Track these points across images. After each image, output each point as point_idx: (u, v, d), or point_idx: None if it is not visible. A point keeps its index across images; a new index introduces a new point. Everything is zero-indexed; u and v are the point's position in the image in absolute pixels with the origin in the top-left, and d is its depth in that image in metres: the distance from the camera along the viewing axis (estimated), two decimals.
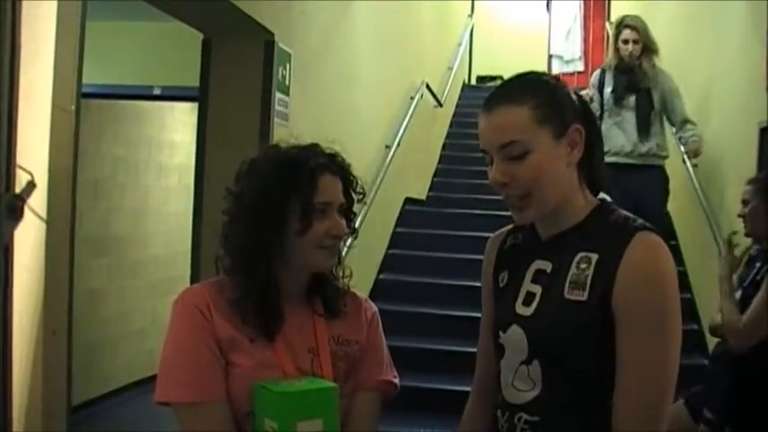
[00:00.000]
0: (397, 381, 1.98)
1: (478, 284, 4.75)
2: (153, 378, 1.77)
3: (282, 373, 1.77)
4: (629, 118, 5.48)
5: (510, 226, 1.89)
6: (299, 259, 1.82)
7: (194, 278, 3.81)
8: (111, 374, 6.91)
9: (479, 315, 4.26)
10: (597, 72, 5.93)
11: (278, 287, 1.82)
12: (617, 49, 5.59)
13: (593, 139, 1.70)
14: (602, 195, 1.77)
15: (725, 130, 4.81)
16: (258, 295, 1.78)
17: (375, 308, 2.02)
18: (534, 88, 1.67)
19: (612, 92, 5.59)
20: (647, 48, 5.49)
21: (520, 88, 1.69)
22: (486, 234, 6.28)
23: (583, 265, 1.61)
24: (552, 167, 1.63)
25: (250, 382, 1.73)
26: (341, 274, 1.96)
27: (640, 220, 1.65)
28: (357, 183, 1.94)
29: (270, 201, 1.78)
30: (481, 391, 1.92)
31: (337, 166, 1.88)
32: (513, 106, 1.64)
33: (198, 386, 1.71)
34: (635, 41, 5.47)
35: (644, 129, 5.44)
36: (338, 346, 1.87)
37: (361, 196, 1.96)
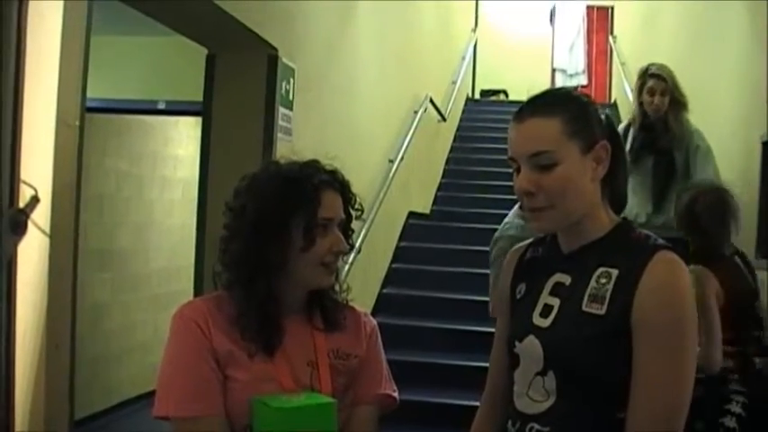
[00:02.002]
0: (396, 394, 1.98)
1: (482, 299, 4.73)
2: (156, 392, 1.78)
3: (280, 386, 1.77)
4: (646, 183, 4.73)
5: (531, 239, 1.92)
6: (300, 275, 1.84)
7: (197, 292, 3.81)
8: (115, 388, 6.92)
9: (483, 329, 4.25)
10: (623, 126, 5.00)
11: (278, 302, 1.83)
12: (641, 103, 4.78)
13: (618, 158, 1.74)
14: None
15: (727, 145, 4.81)
16: (259, 311, 1.79)
17: (374, 322, 2.03)
18: (566, 103, 1.72)
19: (629, 151, 4.66)
20: (675, 101, 4.69)
21: (552, 101, 1.73)
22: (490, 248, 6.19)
23: (603, 280, 1.64)
24: (578, 181, 1.67)
25: (248, 395, 1.74)
26: (339, 288, 1.97)
27: (660, 240, 1.69)
28: (356, 199, 1.95)
29: (273, 216, 1.79)
30: (492, 401, 1.93)
31: (338, 183, 1.90)
32: (545, 118, 1.67)
33: (196, 400, 1.72)
34: (662, 93, 4.68)
35: (659, 198, 4.68)
36: (337, 359, 1.88)
37: (359, 213, 1.97)
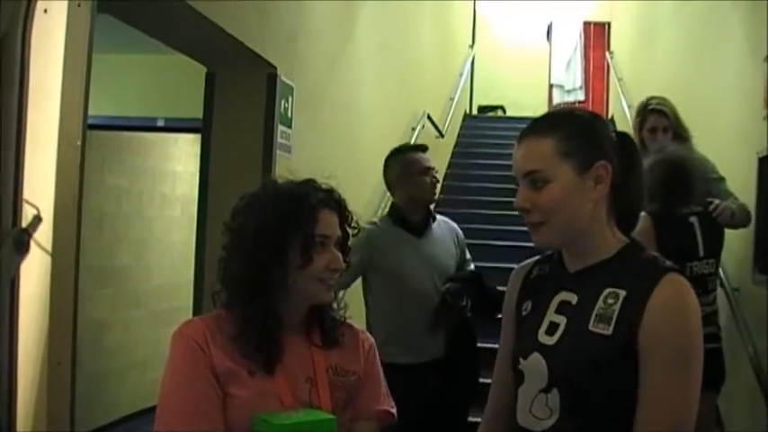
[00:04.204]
0: (394, 410, 2.00)
1: None
2: (156, 408, 1.80)
3: (280, 403, 1.79)
4: None
5: (537, 257, 1.93)
6: (298, 292, 1.86)
7: (197, 308, 3.82)
8: (115, 404, 6.91)
9: (483, 345, 4.25)
10: None
11: (277, 319, 1.85)
12: (641, 140, 4.39)
13: (628, 179, 1.75)
14: None
15: (724, 160, 4.82)
16: (258, 329, 1.81)
17: (372, 339, 2.05)
18: (563, 122, 1.74)
19: None
20: (678, 135, 4.38)
21: (549, 122, 1.76)
22: (488, 264, 6.27)
23: (610, 300, 1.65)
24: (571, 199, 1.69)
25: (249, 412, 1.75)
26: (337, 305, 1.99)
27: (669, 262, 1.70)
28: (352, 217, 1.97)
29: (271, 235, 1.82)
30: (494, 416, 1.94)
31: (334, 201, 1.92)
32: (541, 137, 1.71)
33: (196, 417, 1.74)
34: (664, 130, 4.38)
35: None
36: (336, 376, 1.90)
37: (356, 231, 2.00)
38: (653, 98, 4.56)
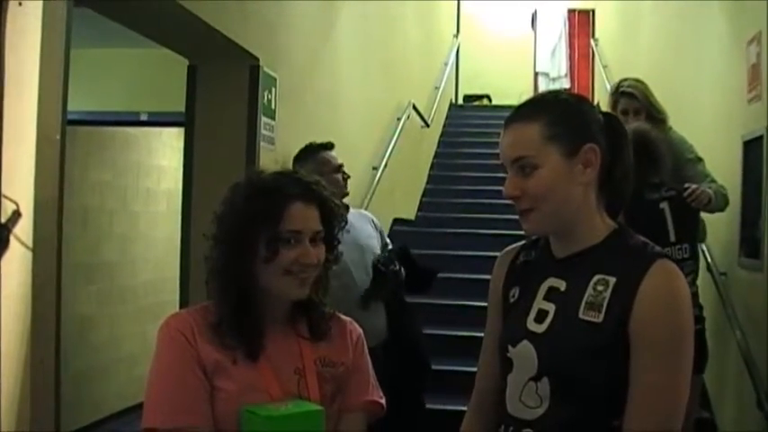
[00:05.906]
0: (383, 401, 1.98)
1: (468, 303, 4.72)
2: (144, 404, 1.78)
3: (268, 395, 1.77)
4: None
5: (522, 242, 1.90)
6: (269, 286, 1.82)
7: (183, 303, 3.79)
8: (102, 401, 6.88)
9: (469, 334, 4.25)
10: None
11: (260, 310, 1.83)
12: None
13: (615, 161, 1.73)
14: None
15: (709, 144, 4.81)
16: (235, 318, 1.79)
17: (360, 330, 2.03)
18: (549, 106, 1.71)
19: None
20: (652, 117, 4.27)
21: (534, 106, 1.73)
22: (475, 253, 6.28)
23: (600, 287, 1.63)
24: (560, 184, 1.66)
25: (236, 405, 1.73)
26: (324, 297, 1.97)
27: (657, 248, 1.68)
28: (337, 211, 1.92)
29: (240, 228, 1.80)
30: (480, 404, 1.92)
31: (313, 195, 1.86)
32: (527, 123, 1.68)
33: (183, 411, 1.72)
34: (636, 112, 4.28)
35: None
36: (324, 367, 1.88)
37: (343, 224, 1.96)
38: (624, 80, 4.47)
